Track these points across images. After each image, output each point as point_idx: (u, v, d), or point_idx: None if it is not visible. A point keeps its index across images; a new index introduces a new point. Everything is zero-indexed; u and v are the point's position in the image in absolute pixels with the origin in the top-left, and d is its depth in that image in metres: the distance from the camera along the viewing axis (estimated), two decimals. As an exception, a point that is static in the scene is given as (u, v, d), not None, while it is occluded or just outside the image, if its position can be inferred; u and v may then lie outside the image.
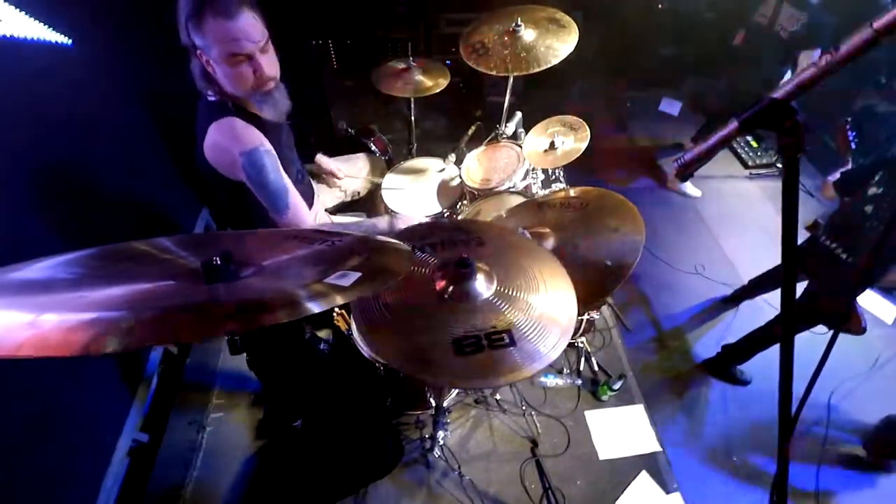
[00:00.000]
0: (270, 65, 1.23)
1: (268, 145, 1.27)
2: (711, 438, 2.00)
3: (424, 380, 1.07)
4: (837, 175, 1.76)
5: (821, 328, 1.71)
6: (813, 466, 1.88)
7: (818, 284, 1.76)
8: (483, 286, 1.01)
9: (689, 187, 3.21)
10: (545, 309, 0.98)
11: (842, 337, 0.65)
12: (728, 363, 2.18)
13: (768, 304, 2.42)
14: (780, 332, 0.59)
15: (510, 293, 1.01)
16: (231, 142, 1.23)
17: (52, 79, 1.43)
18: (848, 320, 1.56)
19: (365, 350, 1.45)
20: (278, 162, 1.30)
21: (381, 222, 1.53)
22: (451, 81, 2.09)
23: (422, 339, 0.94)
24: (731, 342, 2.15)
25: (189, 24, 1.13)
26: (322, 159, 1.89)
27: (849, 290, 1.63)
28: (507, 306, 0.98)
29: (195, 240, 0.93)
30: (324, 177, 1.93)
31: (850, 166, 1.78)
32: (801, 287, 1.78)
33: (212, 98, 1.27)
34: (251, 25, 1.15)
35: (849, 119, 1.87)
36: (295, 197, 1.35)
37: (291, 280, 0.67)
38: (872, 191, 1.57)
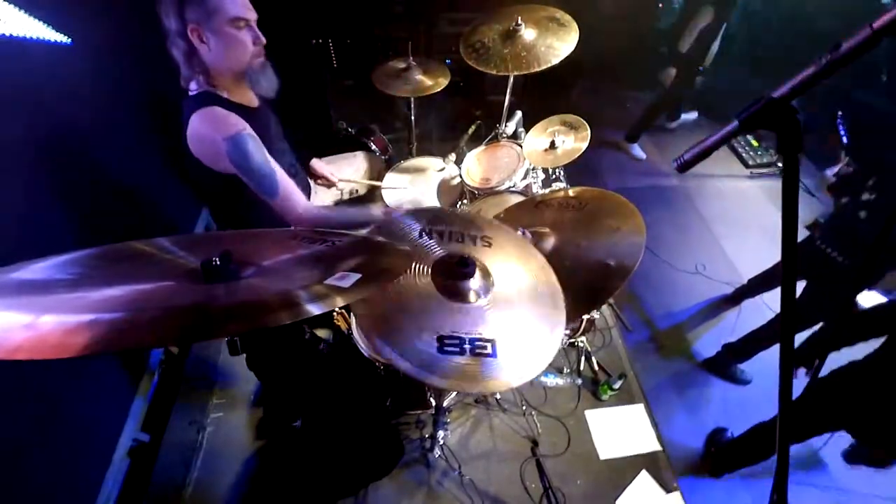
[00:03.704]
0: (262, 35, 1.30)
1: (250, 130, 1.26)
2: (712, 438, 2.00)
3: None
4: (833, 178, 1.78)
5: None
6: (813, 466, 1.88)
7: (815, 286, 1.77)
8: (480, 289, 1.00)
9: (637, 150, 3.47)
10: (534, 327, 0.97)
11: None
12: (729, 361, 2.18)
13: (767, 306, 2.42)
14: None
15: (505, 303, 1.00)
16: (213, 130, 1.22)
17: (52, 78, 1.43)
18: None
19: (365, 350, 1.45)
20: (262, 145, 1.28)
21: (377, 210, 1.52)
22: (451, 81, 2.08)
23: (409, 327, 0.92)
24: (732, 341, 2.16)
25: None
26: (316, 164, 1.87)
27: (845, 292, 1.65)
28: (498, 316, 0.97)
29: (195, 240, 0.93)
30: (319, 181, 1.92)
31: (843, 162, 1.79)
32: (799, 287, 1.79)
33: (194, 91, 1.28)
34: None
35: (840, 113, 1.87)
36: (284, 179, 1.33)
37: (292, 281, 0.67)
38: (865, 196, 1.61)
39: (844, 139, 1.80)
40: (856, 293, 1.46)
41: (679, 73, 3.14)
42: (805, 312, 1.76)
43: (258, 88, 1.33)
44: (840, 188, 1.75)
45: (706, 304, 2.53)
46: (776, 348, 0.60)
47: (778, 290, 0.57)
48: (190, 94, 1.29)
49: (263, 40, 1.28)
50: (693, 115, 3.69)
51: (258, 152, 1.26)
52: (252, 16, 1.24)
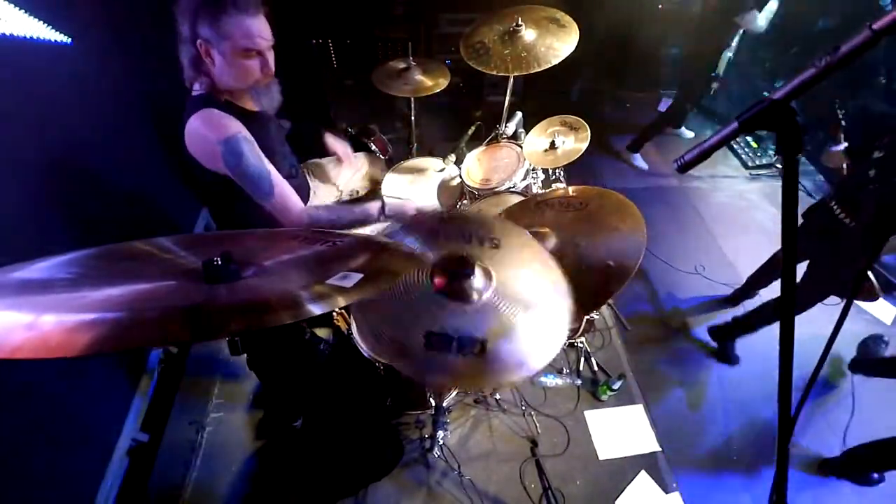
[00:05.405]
0: (274, 62, 1.30)
1: (245, 133, 1.26)
2: (711, 438, 2.00)
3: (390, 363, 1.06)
4: (844, 144, 1.78)
5: (833, 299, 1.75)
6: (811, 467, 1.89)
7: (821, 261, 1.78)
8: (480, 287, 1.00)
9: (638, 160, 3.43)
10: (531, 332, 0.96)
11: (840, 339, 0.65)
12: (735, 333, 2.21)
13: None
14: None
15: (503, 305, 0.99)
16: (210, 131, 1.23)
17: (52, 78, 1.43)
18: (860, 289, 1.55)
19: (365, 350, 1.45)
20: (257, 148, 1.28)
21: (373, 208, 1.51)
22: (451, 81, 2.08)
23: (399, 321, 0.94)
24: (739, 315, 2.20)
25: (200, 14, 1.14)
26: (331, 140, 1.86)
27: (855, 257, 1.64)
28: (493, 317, 0.96)
29: (195, 239, 0.93)
30: (324, 172, 1.91)
31: (843, 144, 1.80)
32: (800, 272, 1.79)
33: (196, 92, 1.28)
34: (266, 24, 1.22)
35: (836, 101, 1.88)
36: (278, 180, 1.33)
37: (293, 281, 0.67)
38: (876, 154, 1.60)
39: (843, 122, 1.81)
40: (865, 268, 1.45)
41: (691, 82, 3.14)
42: (806, 293, 1.76)
43: (259, 105, 1.35)
44: (856, 147, 1.75)
45: (705, 305, 2.53)
46: (776, 348, 0.60)
47: (775, 285, 0.57)
48: (193, 94, 1.29)
49: (272, 69, 1.28)
50: (690, 135, 3.72)
51: (252, 155, 1.26)
52: (264, 44, 1.23)
